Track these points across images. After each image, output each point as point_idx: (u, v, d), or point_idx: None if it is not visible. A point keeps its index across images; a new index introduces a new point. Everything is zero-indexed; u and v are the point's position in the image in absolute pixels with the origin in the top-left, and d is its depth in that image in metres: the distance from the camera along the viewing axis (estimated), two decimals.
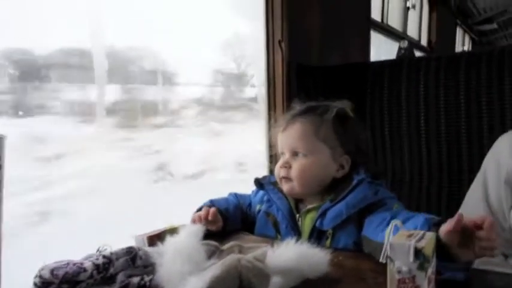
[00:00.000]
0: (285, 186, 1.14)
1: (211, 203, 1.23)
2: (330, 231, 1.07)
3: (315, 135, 1.12)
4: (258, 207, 1.25)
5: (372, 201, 1.05)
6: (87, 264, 0.83)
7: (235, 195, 1.32)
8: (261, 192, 1.26)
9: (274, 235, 1.16)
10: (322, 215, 1.08)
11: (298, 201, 1.18)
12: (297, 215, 1.15)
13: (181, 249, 0.80)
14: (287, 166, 1.13)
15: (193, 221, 1.16)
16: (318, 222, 1.09)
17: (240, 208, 1.27)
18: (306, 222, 1.13)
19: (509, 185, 1.12)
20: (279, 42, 1.80)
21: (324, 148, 1.12)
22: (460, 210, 1.19)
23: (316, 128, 1.13)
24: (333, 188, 1.12)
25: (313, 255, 0.83)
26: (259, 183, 1.25)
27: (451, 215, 0.79)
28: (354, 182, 1.08)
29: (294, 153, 1.13)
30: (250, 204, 1.29)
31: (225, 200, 1.29)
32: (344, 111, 1.17)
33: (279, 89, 1.77)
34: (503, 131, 1.27)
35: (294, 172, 1.12)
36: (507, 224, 1.13)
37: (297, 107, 1.20)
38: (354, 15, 2.49)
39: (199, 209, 1.20)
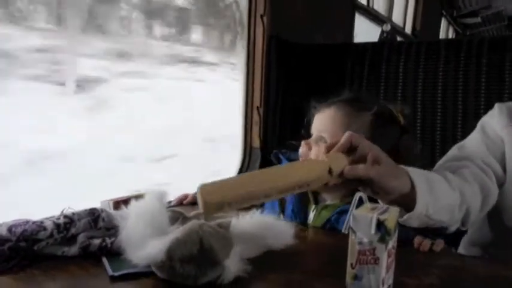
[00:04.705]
0: None
1: None
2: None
3: (344, 126, 1.01)
4: None
5: None
6: (48, 223, 0.81)
7: None
8: None
9: (277, 214, 1.10)
10: (340, 214, 1.03)
11: (316, 192, 1.10)
12: (313, 206, 1.10)
13: (144, 212, 0.78)
14: (307, 146, 1.03)
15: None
16: (333, 218, 1.04)
17: None
18: (320, 216, 1.08)
19: None
20: (261, 16, 1.77)
21: None
22: None
23: (349, 121, 1.03)
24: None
25: (278, 226, 0.83)
26: (277, 157, 1.16)
27: None
28: None
29: (319, 138, 1.04)
30: None
31: None
32: (391, 113, 1.08)
33: (258, 62, 1.75)
34: (477, 118, 1.28)
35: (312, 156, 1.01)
36: None
37: (345, 94, 1.11)
38: None
39: None
